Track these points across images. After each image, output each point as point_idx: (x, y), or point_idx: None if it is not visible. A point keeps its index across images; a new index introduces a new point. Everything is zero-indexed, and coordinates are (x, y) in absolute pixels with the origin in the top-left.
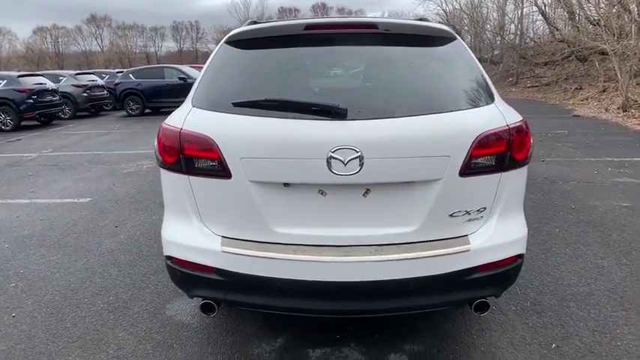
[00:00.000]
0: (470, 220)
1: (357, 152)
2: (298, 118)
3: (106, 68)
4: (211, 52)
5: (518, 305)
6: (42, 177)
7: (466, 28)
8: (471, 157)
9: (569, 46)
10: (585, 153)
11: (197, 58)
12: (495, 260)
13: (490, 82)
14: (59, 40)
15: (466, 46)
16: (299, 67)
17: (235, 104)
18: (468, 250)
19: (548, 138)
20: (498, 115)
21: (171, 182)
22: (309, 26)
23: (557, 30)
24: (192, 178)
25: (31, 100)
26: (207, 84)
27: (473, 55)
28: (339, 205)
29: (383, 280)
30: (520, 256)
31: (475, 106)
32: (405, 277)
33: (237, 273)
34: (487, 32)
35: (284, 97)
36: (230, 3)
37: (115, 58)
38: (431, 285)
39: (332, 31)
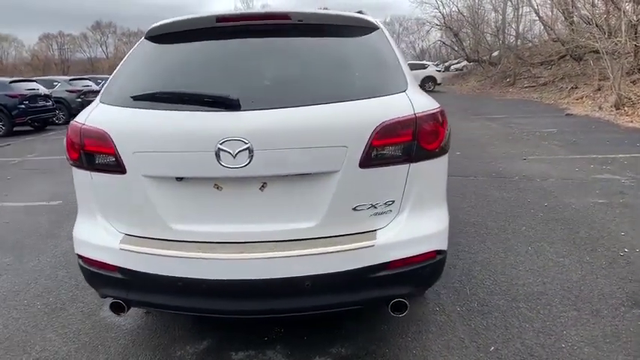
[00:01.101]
0: (377, 214)
1: (246, 144)
2: (191, 110)
3: (110, 74)
4: None
5: (464, 306)
6: (20, 180)
7: (464, 30)
8: (370, 147)
9: (563, 46)
10: (570, 150)
11: None
12: (407, 256)
13: (406, 71)
14: (65, 47)
15: (388, 35)
16: (209, 60)
17: (134, 98)
18: (373, 246)
19: (535, 137)
20: (406, 104)
21: (78, 179)
22: (220, 18)
23: (552, 30)
24: (94, 174)
25: (22, 106)
26: (117, 79)
27: (394, 44)
28: (235, 200)
29: (280, 278)
30: (440, 252)
31: (382, 95)
32: (304, 274)
33: (136, 271)
34: (485, 34)
35: (179, 89)
36: (234, 8)
37: None
38: (335, 283)
39: (244, 22)
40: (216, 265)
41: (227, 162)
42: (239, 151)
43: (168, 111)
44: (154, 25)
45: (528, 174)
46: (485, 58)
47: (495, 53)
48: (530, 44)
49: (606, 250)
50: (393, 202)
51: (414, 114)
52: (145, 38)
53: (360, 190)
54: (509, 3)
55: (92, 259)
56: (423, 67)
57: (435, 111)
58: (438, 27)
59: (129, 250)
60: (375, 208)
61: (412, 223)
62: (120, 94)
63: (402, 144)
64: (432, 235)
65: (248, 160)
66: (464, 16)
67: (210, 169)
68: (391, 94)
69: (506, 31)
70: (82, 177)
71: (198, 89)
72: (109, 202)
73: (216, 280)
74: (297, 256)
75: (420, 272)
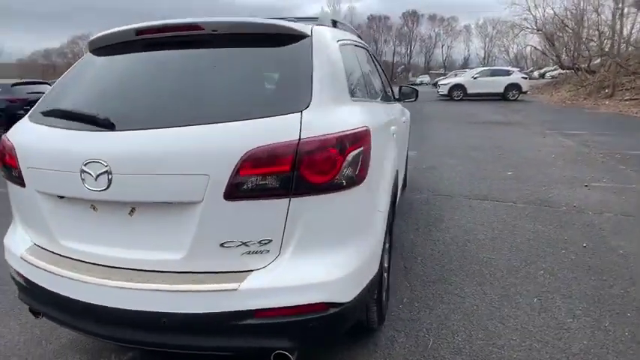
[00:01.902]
0: (250, 252)
1: (105, 166)
2: (71, 128)
3: None
4: None
5: None
6: None
7: (559, 34)
8: (237, 177)
9: None
10: None
11: None
12: (280, 306)
13: (321, 87)
14: None
15: (318, 45)
16: (122, 74)
17: (42, 113)
18: (236, 290)
19: (613, 159)
20: (292, 126)
21: (8, 189)
22: (140, 31)
23: None
24: (10, 185)
25: (22, 112)
26: (49, 93)
27: (317, 55)
28: (107, 222)
29: (134, 310)
30: (333, 305)
31: (270, 115)
32: (159, 310)
33: (32, 282)
34: (586, 39)
35: (78, 105)
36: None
37: None
38: (194, 325)
39: (160, 35)
40: (83, 286)
41: (90, 184)
42: (100, 174)
43: (52, 128)
44: (92, 38)
45: (581, 205)
46: (582, 65)
47: (597, 60)
48: (633, 50)
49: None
50: (270, 241)
51: (298, 139)
52: (89, 51)
53: (227, 224)
54: (612, 3)
55: (10, 265)
56: (507, 73)
57: (333, 136)
58: (529, 30)
59: (26, 260)
60: (247, 246)
61: (295, 268)
62: (39, 108)
63: (277, 175)
64: (321, 284)
65: (107, 184)
66: (559, 18)
67: (78, 190)
68: (281, 114)
69: (608, 34)
70: (8, 187)
71: (100, 105)
72: (22, 212)
73: (84, 302)
74: (153, 290)
75: (303, 326)
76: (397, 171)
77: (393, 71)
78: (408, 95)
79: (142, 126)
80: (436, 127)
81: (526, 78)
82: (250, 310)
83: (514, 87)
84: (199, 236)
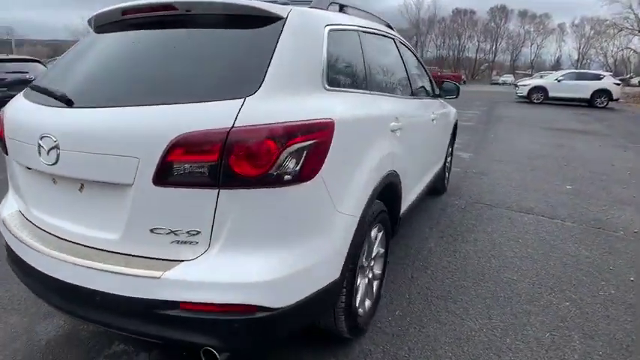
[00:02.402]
0: (179, 242)
1: (54, 141)
2: (38, 103)
3: None
4: None
5: None
6: None
7: None
8: (164, 162)
9: None
10: None
11: None
12: (204, 302)
13: (276, 72)
14: None
15: (292, 28)
16: (103, 53)
17: (30, 87)
18: (159, 278)
19: None
20: (227, 113)
21: None
22: (124, 11)
23: None
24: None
25: None
26: (48, 69)
27: (286, 39)
28: (63, 197)
29: (71, 284)
30: (262, 308)
31: (210, 99)
32: (92, 287)
33: (7, 245)
34: None
35: (45, 82)
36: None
37: None
38: (123, 307)
39: (140, 15)
40: (35, 254)
41: (44, 158)
42: (50, 149)
43: (28, 102)
44: (92, 15)
45: None
46: None
47: None
48: None
49: None
50: (199, 232)
51: (229, 127)
52: (92, 28)
53: (157, 210)
54: None
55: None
56: (597, 77)
57: (270, 126)
58: (629, 30)
59: (4, 223)
60: (176, 235)
61: (223, 264)
62: (33, 82)
63: (205, 163)
64: (250, 285)
65: (55, 159)
66: None
67: (36, 162)
68: (223, 99)
69: None
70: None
71: (69, 82)
72: (10, 179)
73: (36, 268)
74: (89, 267)
75: (228, 326)
76: (406, 171)
77: (475, 68)
78: (449, 92)
79: (93, 104)
80: (503, 130)
81: (619, 84)
82: (175, 301)
83: (603, 93)
84: (131, 219)
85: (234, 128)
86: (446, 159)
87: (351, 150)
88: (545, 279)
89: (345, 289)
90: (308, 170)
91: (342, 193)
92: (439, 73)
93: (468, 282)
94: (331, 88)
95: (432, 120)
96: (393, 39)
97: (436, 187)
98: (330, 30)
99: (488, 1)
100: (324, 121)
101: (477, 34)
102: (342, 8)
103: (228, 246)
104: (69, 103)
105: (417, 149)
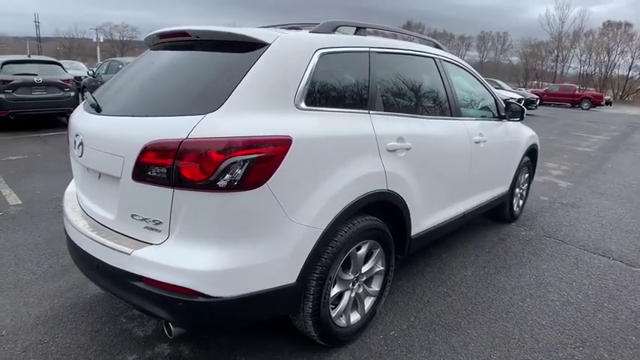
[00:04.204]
0: (149, 228)
1: (81, 139)
2: (85, 109)
3: None
4: (511, 64)
5: None
6: None
7: None
8: (138, 162)
9: None
10: None
11: (497, 71)
12: (159, 280)
13: (243, 92)
14: None
15: (273, 54)
16: (139, 70)
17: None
18: (129, 254)
19: None
20: (185, 127)
21: None
22: (160, 35)
23: None
24: None
25: (2, 95)
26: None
27: (264, 63)
28: (92, 181)
29: (85, 252)
30: (201, 294)
31: (183, 115)
32: (94, 255)
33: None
34: None
35: (96, 91)
36: (543, 15)
37: None
38: (110, 274)
39: (170, 39)
40: (70, 224)
41: (77, 151)
42: (79, 144)
43: (81, 107)
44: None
45: None
46: None
47: None
48: None
49: None
50: (161, 222)
51: (182, 139)
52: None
53: (134, 200)
54: None
55: None
56: None
57: (215, 139)
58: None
59: (64, 199)
60: (146, 222)
61: (176, 251)
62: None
63: (164, 167)
64: (191, 271)
65: (81, 153)
66: None
67: (75, 154)
68: (190, 114)
69: None
70: None
71: (108, 93)
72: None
73: (70, 236)
74: (93, 239)
75: (173, 303)
76: (415, 193)
77: (626, 88)
78: (515, 114)
79: (110, 113)
80: (625, 160)
81: None
82: (139, 275)
83: None
84: (120, 205)
85: (186, 139)
86: (514, 185)
87: (314, 166)
88: (580, 330)
89: (311, 296)
90: (252, 180)
91: (298, 204)
92: (576, 92)
93: (486, 317)
94: (309, 108)
95: (477, 142)
96: (433, 58)
97: (498, 215)
98: (323, 54)
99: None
100: (277, 137)
101: (632, 50)
102: (358, 30)
103: (182, 237)
104: (98, 110)
105: (440, 171)
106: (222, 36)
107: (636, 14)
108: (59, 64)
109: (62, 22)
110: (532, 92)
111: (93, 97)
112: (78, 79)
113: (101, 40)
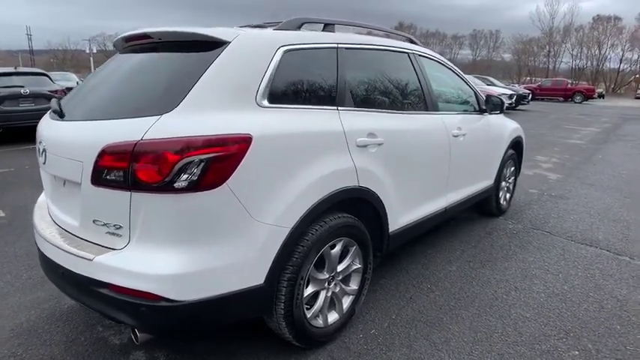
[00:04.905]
0: (110, 233)
1: (44, 146)
2: (50, 116)
3: None
4: (504, 61)
5: None
6: None
7: None
8: (96, 166)
9: None
10: None
11: (490, 68)
12: (121, 285)
13: (200, 91)
14: None
15: (232, 53)
16: (104, 75)
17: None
18: (91, 260)
19: None
20: (139, 128)
21: None
22: (125, 39)
23: None
24: None
25: None
26: None
27: (222, 62)
28: (56, 188)
29: (52, 260)
30: (164, 298)
31: (138, 116)
32: (59, 263)
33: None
34: None
35: (62, 101)
36: (534, 12)
37: None
38: (76, 281)
39: (136, 42)
40: (37, 231)
41: (41, 158)
42: (42, 151)
43: (47, 114)
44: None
45: None
46: None
47: None
48: None
49: None
50: (122, 227)
51: (137, 141)
52: None
53: (95, 205)
54: None
55: None
56: None
57: (170, 139)
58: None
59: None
60: (108, 227)
61: (137, 256)
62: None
63: (120, 170)
64: (152, 276)
65: (44, 160)
66: None
67: (40, 161)
68: (147, 115)
69: None
70: None
71: (72, 98)
72: None
73: (38, 244)
74: (58, 247)
75: (139, 310)
76: (391, 189)
77: (618, 81)
78: (495, 107)
79: (73, 118)
80: (616, 152)
81: None
82: (102, 281)
83: None
84: (82, 211)
85: (141, 141)
86: (500, 179)
87: (278, 164)
88: (564, 321)
89: (282, 297)
90: (210, 180)
91: (262, 203)
92: (568, 85)
93: (469, 312)
94: (272, 105)
95: (456, 136)
96: (407, 53)
97: (485, 209)
98: (287, 50)
99: (637, 6)
100: (236, 136)
101: (622, 43)
102: (326, 27)
103: (143, 241)
104: (61, 116)
105: (417, 166)
106: (182, 36)
107: (625, 8)
108: (46, 75)
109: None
110: (525, 88)
111: (58, 104)
112: (69, 89)
113: (94, 51)
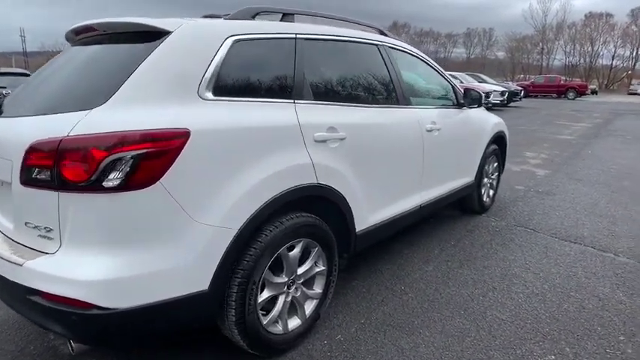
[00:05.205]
0: (41, 236)
1: None
2: None
3: None
4: (498, 59)
5: None
6: None
7: None
8: (24, 165)
9: None
10: None
11: (484, 66)
12: (50, 292)
13: (134, 84)
14: None
15: (174, 43)
16: (53, 69)
17: None
18: (21, 266)
19: None
20: (67, 123)
21: None
22: (73, 32)
23: None
24: None
25: None
26: None
27: (162, 52)
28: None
29: None
30: (96, 306)
31: (69, 111)
32: None
33: None
34: None
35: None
36: (527, 9)
37: None
38: (9, 290)
39: (85, 35)
40: None
41: None
42: None
43: None
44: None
45: None
46: None
47: None
48: None
49: None
50: (52, 230)
51: (62, 137)
52: None
53: (26, 207)
54: None
55: None
56: None
57: (97, 135)
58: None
59: None
60: (39, 230)
61: (69, 261)
62: None
63: (46, 168)
64: (83, 282)
65: None
66: None
67: None
68: (75, 110)
69: None
70: None
71: (16, 94)
72: None
73: None
74: None
75: (67, 318)
76: (356, 186)
77: (610, 77)
78: (474, 101)
79: (8, 114)
80: (606, 146)
81: None
82: (33, 288)
83: None
84: (15, 212)
85: (66, 137)
86: (481, 175)
87: (221, 161)
88: (542, 324)
89: (233, 303)
90: (141, 178)
91: (203, 203)
92: (561, 82)
93: (443, 314)
94: (217, 98)
95: (430, 131)
96: (377, 45)
97: (467, 206)
98: (237, 40)
99: (628, 3)
100: (171, 131)
101: (614, 40)
102: (285, 16)
103: (73, 245)
104: (1, 113)
105: (386, 162)
106: (125, 27)
107: (617, 5)
108: (29, 76)
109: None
110: (518, 85)
111: (0, 101)
112: None
113: None
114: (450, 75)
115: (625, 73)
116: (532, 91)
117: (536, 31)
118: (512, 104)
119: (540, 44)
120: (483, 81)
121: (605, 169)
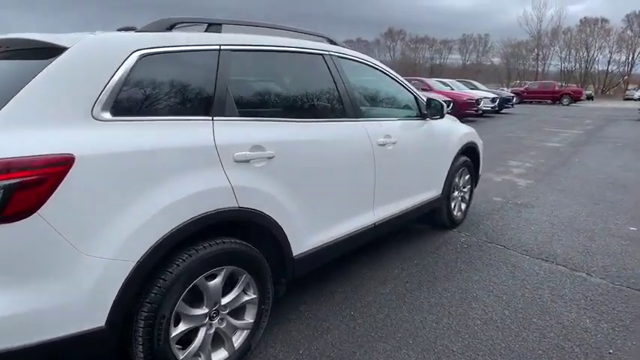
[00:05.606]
0: None
1: None
2: None
3: None
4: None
5: None
6: None
7: None
8: None
9: None
10: None
11: (479, 72)
12: None
13: (12, 106)
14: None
15: (68, 61)
16: None
17: None
18: None
19: None
20: None
21: None
22: None
23: None
24: None
25: None
26: None
27: (54, 70)
28: None
29: None
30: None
31: None
32: None
33: None
34: None
35: None
36: (522, 15)
37: (402, 68)
38: None
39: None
40: None
41: None
42: None
43: None
44: None
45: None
46: None
47: None
48: None
49: None
50: None
51: None
52: None
53: None
54: None
55: None
56: None
57: None
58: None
59: None
60: None
61: None
62: None
63: None
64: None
65: None
66: None
67: None
68: None
69: None
70: None
71: None
72: None
73: None
74: None
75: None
76: (290, 208)
77: (606, 82)
78: (434, 112)
79: None
80: (594, 155)
81: None
82: None
83: None
84: None
85: None
86: (450, 188)
87: (115, 187)
88: (495, 356)
89: (140, 339)
90: (15, 209)
91: (92, 234)
92: (556, 88)
93: (389, 345)
94: (116, 118)
95: (383, 145)
96: (322, 55)
97: (437, 221)
98: (144, 55)
99: (623, 8)
100: (50, 157)
101: (610, 45)
102: (210, 27)
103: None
104: None
105: (327, 180)
106: (22, 44)
107: (612, 10)
108: None
109: None
110: (511, 91)
111: None
112: None
113: None
114: (441, 82)
115: (621, 79)
116: (526, 98)
117: (531, 37)
118: (504, 111)
119: (536, 50)
120: (475, 87)
121: (591, 178)
